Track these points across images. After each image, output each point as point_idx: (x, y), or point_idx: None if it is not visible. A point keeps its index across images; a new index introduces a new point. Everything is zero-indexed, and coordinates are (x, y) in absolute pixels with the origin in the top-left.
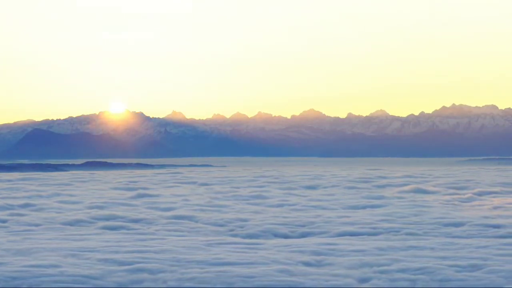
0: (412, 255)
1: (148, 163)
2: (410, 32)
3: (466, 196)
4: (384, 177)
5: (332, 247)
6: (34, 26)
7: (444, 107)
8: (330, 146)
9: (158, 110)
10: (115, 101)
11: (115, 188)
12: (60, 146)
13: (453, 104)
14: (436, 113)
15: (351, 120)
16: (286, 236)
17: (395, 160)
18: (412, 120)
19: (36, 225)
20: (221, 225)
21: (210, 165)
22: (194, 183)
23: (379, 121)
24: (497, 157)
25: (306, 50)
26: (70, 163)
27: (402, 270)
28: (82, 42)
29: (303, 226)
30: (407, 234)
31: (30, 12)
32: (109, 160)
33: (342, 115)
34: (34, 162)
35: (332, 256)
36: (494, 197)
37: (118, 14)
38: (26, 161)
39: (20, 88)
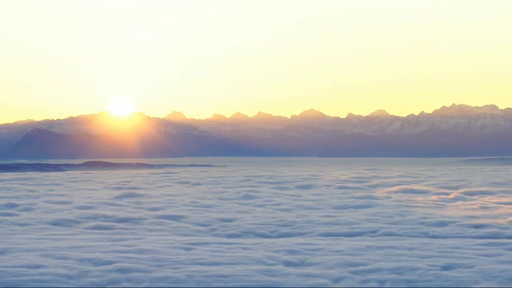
0: (389, 255)
1: (148, 163)
2: (411, 32)
3: (454, 196)
4: (378, 177)
5: (311, 247)
6: (34, 26)
7: (444, 107)
8: (330, 146)
9: (158, 110)
10: (115, 101)
11: (107, 188)
12: (60, 146)
13: (453, 104)
14: (436, 113)
15: (351, 120)
16: (267, 236)
17: (395, 160)
18: (412, 120)
19: (22, 224)
20: (204, 225)
21: (211, 165)
22: (187, 183)
23: (379, 121)
24: (497, 157)
25: (306, 50)
26: (70, 163)
27: (376, 270)
28: (82, 42)
29: (286, 226)
30: (387, 234)
31: (30, 12)
32: (109, 160)
33: (342, 115)
34: (34, 162)
35: (310, 256)
36: (482, 197)
37: (118, 14)
38: (26, 161)
39: (20, 88)
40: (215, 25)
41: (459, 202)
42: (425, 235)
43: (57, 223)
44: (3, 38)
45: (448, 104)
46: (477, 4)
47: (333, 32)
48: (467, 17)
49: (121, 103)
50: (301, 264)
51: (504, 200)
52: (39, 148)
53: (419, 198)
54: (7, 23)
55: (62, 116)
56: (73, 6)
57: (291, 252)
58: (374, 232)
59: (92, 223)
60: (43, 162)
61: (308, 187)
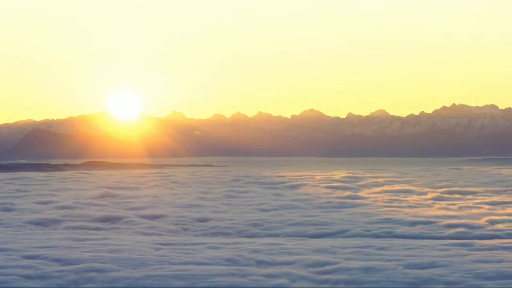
0: (354, 256)
1: (148, 163)
2: (410, 32)
3: (435, 196)
4: (369, 177)
5: (277, 247)
6: (34, 26)
7: (444, 107)
8: (330, 146)
9: (158, 110)
10: (115, 101)
11: (93, 188)
12: (60, 146)
13: (453, 104)
14: (436, 113)
15: (351, 120)
16: (236, 236)
17: (395, 160)
18: (412, 120)
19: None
20: (178, 224)
21: (211, 165)
22: (176, 182)
23: (379, 121)
24: (497, 157)
25: (306, 50)
26: (70, 163)
27: (335, 271)
28: (82, 42)
29: (257, 226)
30: (357, 235)
31: (30, 12)
32: (109, 160)
33: (342, 115)
34: (34, 162)
35: (275, 256)
36: (463, 197)
37: (118, 14)
38: (26, 161)
39: (20, 88)
40: (215, 25)
41: (438, 202)
42: (395, 235)
43: (34, 223)
44: (3, 38)
45: (448, 104)
46: (477, 4)
47: (333, 32)
48: (467, 16)
49: (121, 103)
50: (264, 264)
51: (484, 200)
52: (39, 148)
53: (400, 198)
54: (7, 23)
55: (62, 116)
56: (74, 6)
57: (257, 252)
58: (344, 232)
59: (68, 223)
60: (43, 162)
61: (295, 187)
